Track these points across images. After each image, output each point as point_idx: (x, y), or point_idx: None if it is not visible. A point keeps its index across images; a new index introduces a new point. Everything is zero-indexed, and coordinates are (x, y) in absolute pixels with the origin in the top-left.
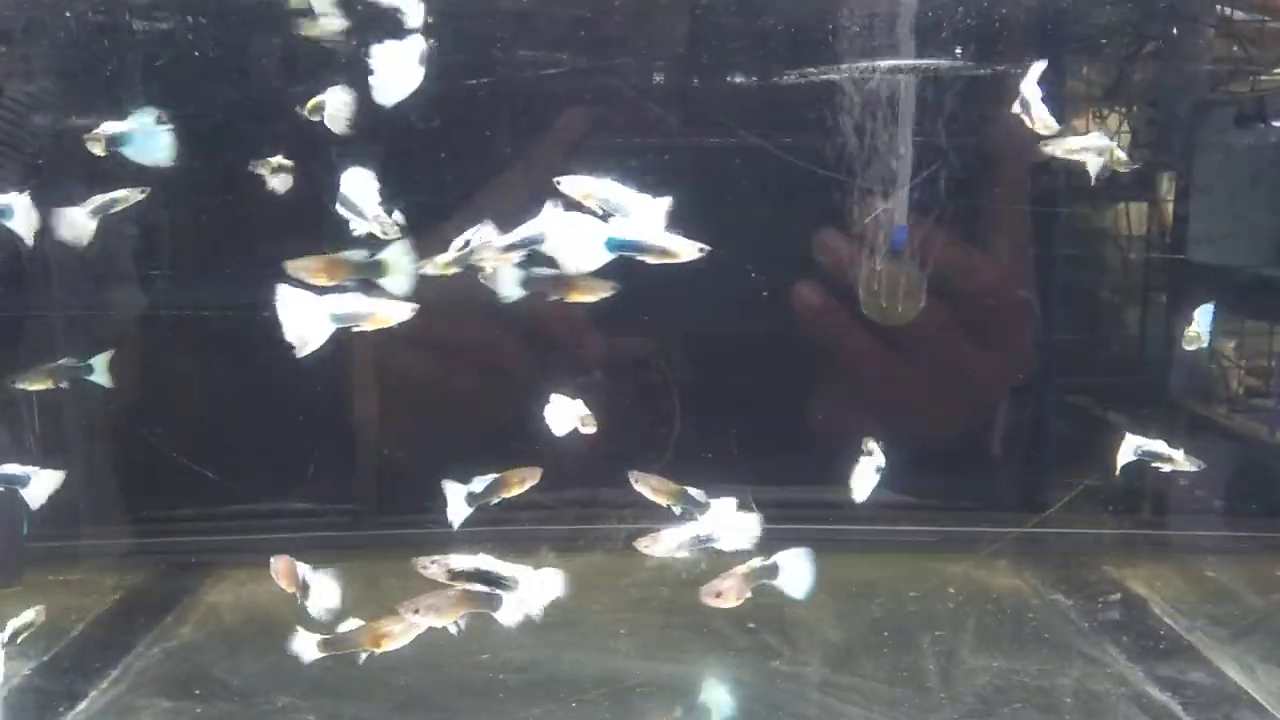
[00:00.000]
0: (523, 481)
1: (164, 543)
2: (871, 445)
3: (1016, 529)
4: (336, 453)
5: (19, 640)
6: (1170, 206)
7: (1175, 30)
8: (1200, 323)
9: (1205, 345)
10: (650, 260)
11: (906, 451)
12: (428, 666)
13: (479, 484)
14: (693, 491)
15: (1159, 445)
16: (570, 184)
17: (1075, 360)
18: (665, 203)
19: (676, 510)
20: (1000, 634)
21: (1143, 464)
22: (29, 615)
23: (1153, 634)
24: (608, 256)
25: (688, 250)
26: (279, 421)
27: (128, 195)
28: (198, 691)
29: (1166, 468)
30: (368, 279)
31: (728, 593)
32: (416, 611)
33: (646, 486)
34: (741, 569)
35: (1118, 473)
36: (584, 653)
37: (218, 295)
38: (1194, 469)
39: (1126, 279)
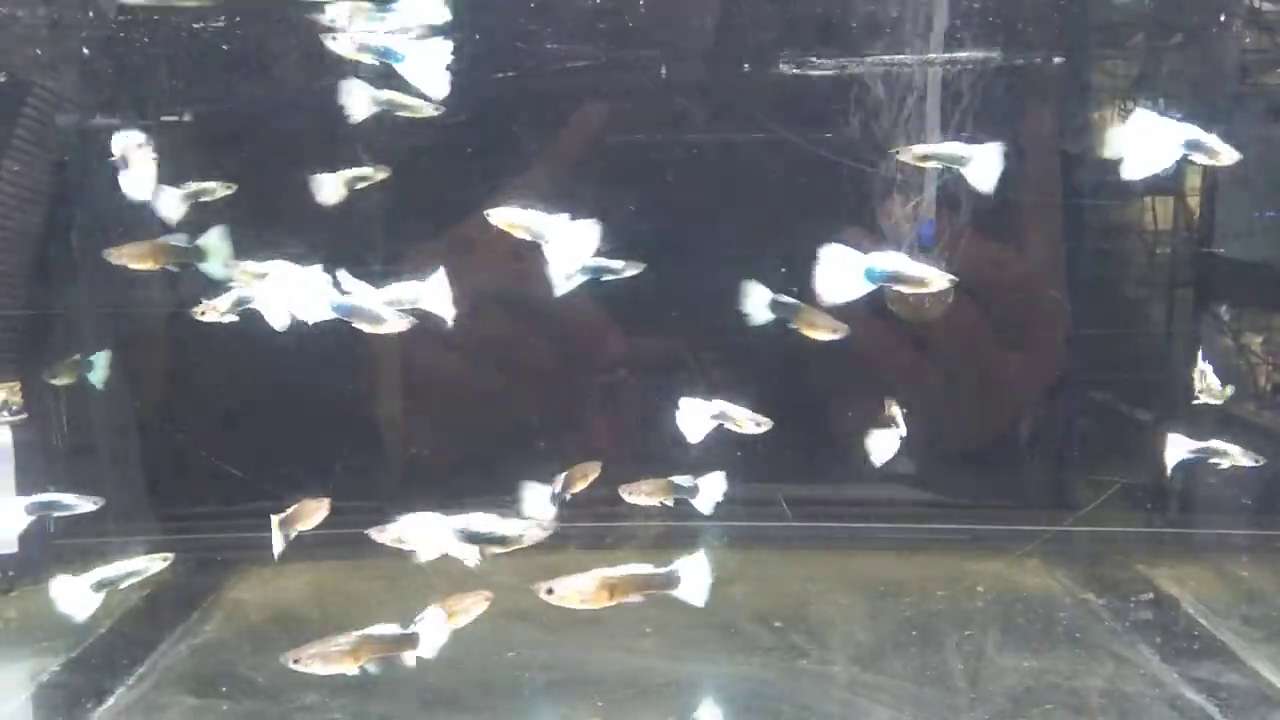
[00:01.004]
0: (586, 476)
1: (189, 540)
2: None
3: (1047, 527)
4: (361, 449)
5: (121, 586)
6: (1200, 201)
7: (1205, 21)
8: (1207, 373)
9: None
10: (906, 290)
11: (935, 450)
12: (454, 665)
13: (556, 483)
14: (678, 479)
15: (1214, 443)
16: (498, 216)
17: (1104, 357)
18: (594, 226)
19: (670, 504)
20: (1031, 634)
21: (1194, 463)
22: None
23: (1186, 634)
24: (868, 287)
25: (940, 281)
26: (303, 418)
27: (216, 188)
28: (224, 689)
29: (1224, 463)
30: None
31: (586, 592)
32: (297, 661)
33: (640, 495)
34: (622, 572)
35: (1169, 473)
36: (610, 652)
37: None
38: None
39: (1156, 274)
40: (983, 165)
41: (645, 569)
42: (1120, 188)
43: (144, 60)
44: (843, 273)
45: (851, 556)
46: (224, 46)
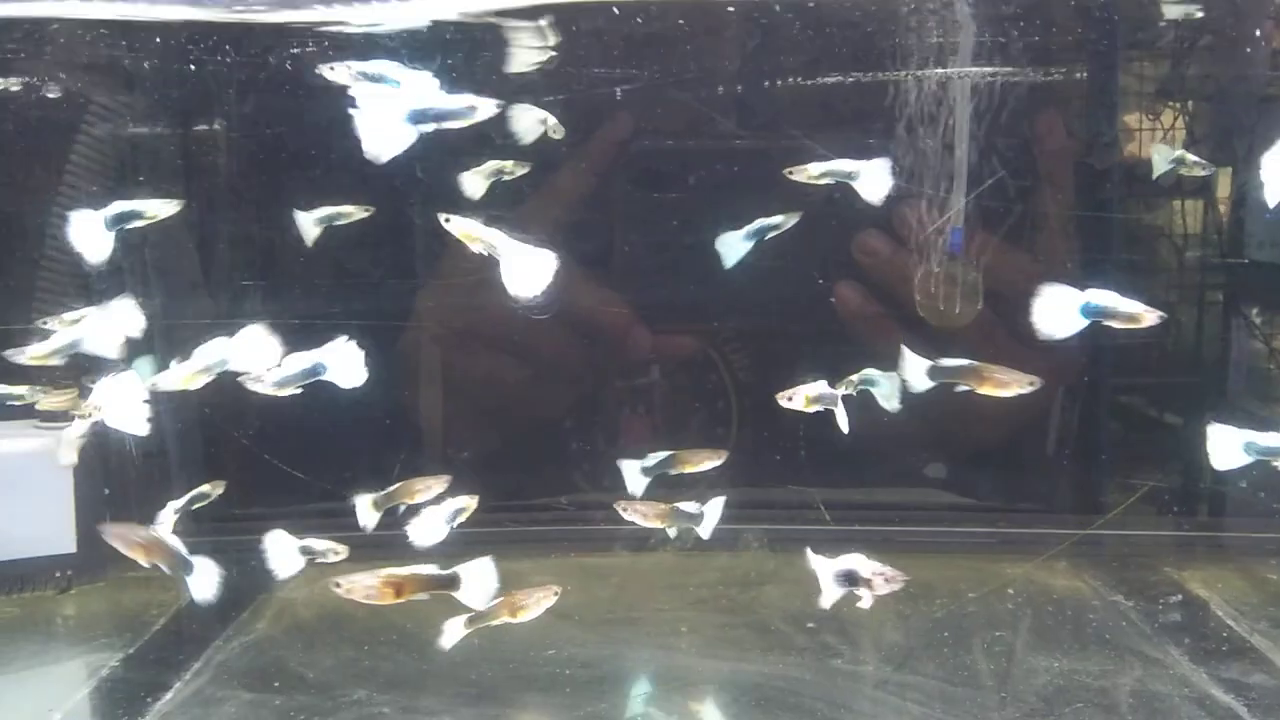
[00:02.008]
0: (702, 461)
1: (238, 541)
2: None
3: (1074, 530)
4: (411, 451)
5: (193, 508)
6: (1228, 206)
7: (1233, 24)
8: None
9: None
10: (1116, 325)
11: (956, 452)
12: (496, 662)
13: (653, 459)
14: (683, 506)
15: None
16: (458, 224)
17: (1133, 362)
18: (550, 258)
19: (672, 533)
20: (1061, 635)
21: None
22: (205, 487)
23: (1215, 636)
24: (1083, 323)
25: (1149, 317)
26: (350, 422)
27: (353, 212)
28: (277, 684)
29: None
30: None
31: (371, 588)
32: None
33: (638, 514)
34: (406, 571)
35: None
36: (646, 650)
37: (308, 305)
38: None
39: (1184, 279)
40: (870, 179)
41: (429, 569)
42: (1149, 193)
43: (206, 81)
44: (1060, 309)
45: (882, 559)
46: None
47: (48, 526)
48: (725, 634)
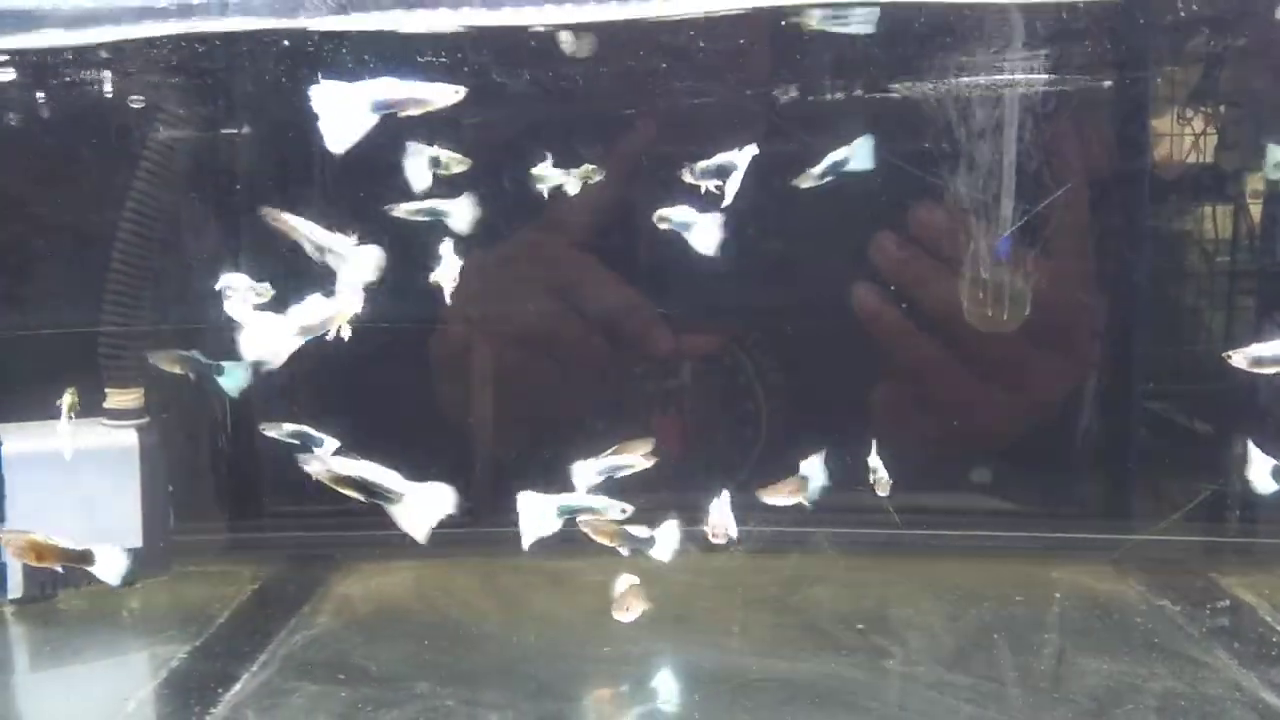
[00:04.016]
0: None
1: (295, 537)
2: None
3: (1115, 535)
4: (455, 451)
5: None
6: (1260, 209)
7: (1263, 25)
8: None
9: None
10: None
11: (973, 453)
12: (554, 658)
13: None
14: (634, 530)
15: None
16: (276, 218)
17: (1164, 367)
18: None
19: (624, 551)
20: (1109, 638)
21: None
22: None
23: (1264, 640)
24: None
25: None
26: (402, 421)
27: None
28: (341, 676)
29: None
30: None
31: (20, 548)
32: None
33: (589, 528)
34: (40, 540)
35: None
36: (700, 649)
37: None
38: None
39: (1215, 285)
40: (703, 233)
41: (65, 543)
42: (1178, 195)
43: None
44: None
45: (927, 562)
46: None
47: (114, 522)
48: (777, 634)
